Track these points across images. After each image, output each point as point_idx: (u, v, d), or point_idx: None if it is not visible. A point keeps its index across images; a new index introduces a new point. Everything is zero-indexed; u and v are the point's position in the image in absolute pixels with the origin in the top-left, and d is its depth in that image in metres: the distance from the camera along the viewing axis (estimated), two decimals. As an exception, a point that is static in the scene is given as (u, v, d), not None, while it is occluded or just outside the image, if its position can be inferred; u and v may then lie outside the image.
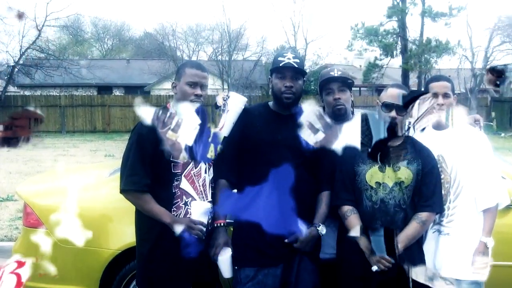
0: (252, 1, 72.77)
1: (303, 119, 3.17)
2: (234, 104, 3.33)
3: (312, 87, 31.29)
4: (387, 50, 31.73)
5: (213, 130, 3.59)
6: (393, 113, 3.14)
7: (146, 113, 3.10)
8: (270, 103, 3.40)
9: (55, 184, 4.79)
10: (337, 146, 3.13)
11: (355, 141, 3.15)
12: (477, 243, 3.23)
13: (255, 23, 76.63)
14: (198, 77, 3.18)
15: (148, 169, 3.05)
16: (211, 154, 3.28)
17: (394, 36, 32.01)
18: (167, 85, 31.41)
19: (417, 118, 3.31)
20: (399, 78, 32.08)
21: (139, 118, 3.07)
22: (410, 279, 3.10)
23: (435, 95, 3.34)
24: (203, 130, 3.31)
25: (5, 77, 29.69)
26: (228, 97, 3.36)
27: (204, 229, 3.08)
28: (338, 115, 3.50)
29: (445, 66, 33.04)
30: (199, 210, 3.09)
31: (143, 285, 3.19)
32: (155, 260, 3.11)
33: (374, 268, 3.02)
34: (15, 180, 11.00)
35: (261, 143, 3.22)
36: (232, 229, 3.37)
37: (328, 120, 3.18)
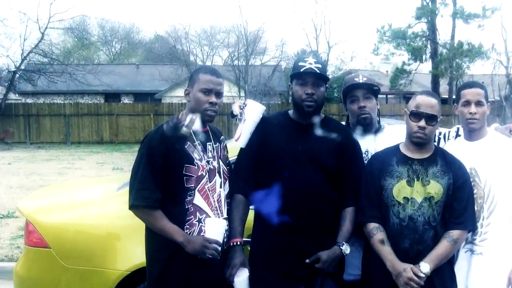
0: (270, 1, 73.04)
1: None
2: (252, 113, 3.36)
3: (335, 95, 31.28)
4: (416, 55, 31.59)
5: (229, 141, 3.65)
6: (422, 123, 3.14)
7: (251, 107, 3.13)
8: (290, 112, 3.42)
9: (59, 199, 4.85)
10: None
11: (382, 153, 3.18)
12: None
13: (274, 25, 77.16)
14: (212, 84, 3.20)
15: (159, 183, 3.07)
16: (226, 167, 3.33)
17: (423, 39, 31.86)
18: (180, 92, 31.54)
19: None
20: (429, 85, 31.93)
21: (149, 127, 3.12)
22: (441, 302, 3.11)
23: (467, 103, 3.36)
24: (218, 141, 3.37)
25: (6, 84, 29.87)
26: (245, 105, 3.38)
27: (219, 248, 3.08)
28: (363, 125, 3.54)
29: (478, 71, 32.81)
30: (213, 227, 3.09)
31: (154, 309, 3.21)
32: (166, 281, 3.12)
33: (402, 290, 3.04)
34: (16, 195, 11.11)
35: (280, 155, 3.24)
36: (249, 248, 3.38)
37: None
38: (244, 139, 3.35)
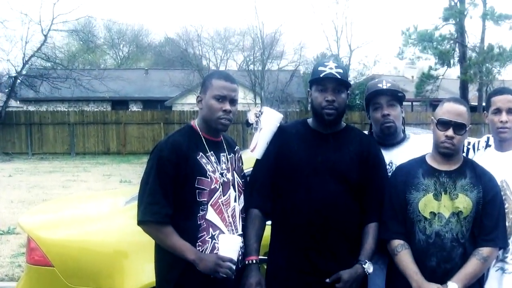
0: (288, 1, 73.08)
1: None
2: (268, 122, 3.39)
3: (357, 102, 31.21)
4: (443, 59, 31.41)
5: (244, 151, 3.67)
6: (450, 132, 3.15)
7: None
8: (309, 120, 3.44)
9: (63, 214, 4.90)
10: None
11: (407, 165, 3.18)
12: None
13: (292, 27, 76.83)
14: (226, 90, 3.21)
15: (170, 197, 3.08)
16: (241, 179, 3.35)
17: (451, 42, 31.68)
18: (191, 99, 31.60)
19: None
20: (457, 91, 31.72)
21: (159, 137, 3.15)
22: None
23: (498, 110, 3.36)
24: (232, 152, 3.40)
25: (6, 90, 30.04)
26: (261, 113, 3.40)
27: (234, 267, 3.08)
28: (387, 134, 3.57)
29: (509, 77, 32.60)
30: (228, 244, 3.09)
31: (164, 332, 3.22)
32: (177, 302, 3.13)
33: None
34: (18, 210, 11.22)
35: (298, 167, 3.26)
36: (265, 266, 3.40)
37: None
38: (260, 149, 3.37)
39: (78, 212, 4.93)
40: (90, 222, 4.43)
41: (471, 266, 3.09)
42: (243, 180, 3.41)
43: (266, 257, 3.39)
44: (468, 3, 31.13)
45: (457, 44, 31.57)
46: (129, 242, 3.99)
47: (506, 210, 3.24)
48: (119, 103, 37.98)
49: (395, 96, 3.57)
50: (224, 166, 3.27)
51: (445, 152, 3.19)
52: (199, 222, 3.13)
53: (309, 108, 3.48)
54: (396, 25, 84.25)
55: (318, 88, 3.29)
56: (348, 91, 3.36)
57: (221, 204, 3.19)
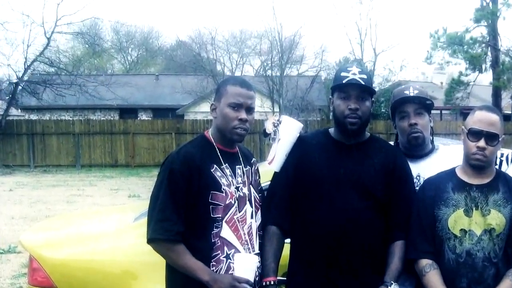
0: (309, 2, 73.01)
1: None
2: (287, 131, 3.40)
3: (382, 110, 31.06)
4: (474, 63, 31.11)
5: (261, 164, 3.68)
6: (482, 143, 3.14)
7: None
8: (331, 130, 3.46)
9: (67, 232, 4.94)
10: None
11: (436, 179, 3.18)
12: None
13: (312, 29, 76.93)
14: (242, 97, 3.21)
15: (182, 213, 3.08)
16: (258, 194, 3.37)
17: (483, 45, 31.38)
18: (205, 107, 31.62)
19: None
20: (489, 98, 31.46)
21: (170, 148, 3.16)
22: None
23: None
24: (248, 164, 3.41)
25: (7, 97, 29.99)
26: (280, 123, 3.42)
27: (251, 288, 3.11)
28: (414, 145, 3.56)
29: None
30: (244, 264, 3.09)
31: None
32: (190, 326, 3.14)
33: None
34: (19, 227, 11.28)
35: (319, 180, 3.27)
36: (284, 288, 3.42)
37: None
38: (278, 161, 3.38)
39: (83, 230, 4.96)
40: (97, 240, 4.46)
41: None
42: (260, 194, 3.41)
43: (285, 278, 3.40)
44: (501, 4, 30.85)
45: (489, 48, 31.26)
46: (139, 262, 4.01)
47: None
48: (128, 112, 38.11)
49: (423, 104, 3.57)
50: (240, 179, 3.26)
51: (476, 164, 3.18)
52: (213, 240, 3.12)
53: (331, 117, 3.47)
54: (424, 27, 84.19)
55: (341, 95, 3.29)
56: (373, 99, 3.37)
57: (236, 221, 3.19)
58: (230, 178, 3.21)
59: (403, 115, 3.57)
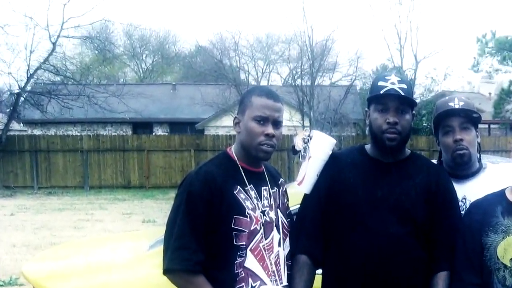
0: (342, 2, 72.89)
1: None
2: (318, 148, 3.41)
3: (424, 124, 30.85)
4: (527, 72, 31.06)
5: (289, 185, 3.70)
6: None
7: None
8: (367, 147, 3.48)
9: (75, 262, 4.99)
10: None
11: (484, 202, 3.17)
12: None
13: (346, 33, 76.76)
14: (269, 110, 3.20)
15: (202, 240, 3.07)
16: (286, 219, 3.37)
17: (536, 51, 31.32)
18: (227, 121, 31.63)
19: None
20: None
21: (188, 167, 3.16)
22: None
23: None
24: (276, 185, 3.42)
25: (7, 110, 29.86)
26: (310, 138, 3.43)
27: (278, 325, 3.09)
28: (460, 163, 3.55)
29: None
30: (270, 298, 3.11)
31: None
32: None
33: None
34: (21, 256, 11.35)
35: (354, 204, 3.27)
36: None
37: None
38: (308, 182, 3.39)
39: (93, 259, 4.99)
40: (107, 271, 4.50)
41: None
42: (288, 219, 3.41)
43: (317, 313, 3.41)
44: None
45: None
46: (154, 295, 4.03)
47: None
48: (142, 126, 38.29)
49: (469, 117, 3.55)
50: (266, 202, 3.26)
51: None
52: (236, 271, 3.12)
53: (367, 132, 3.48)
54: (470, 31, 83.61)
55: (378, 107, 3.30)
56: (414, 111, 3.37)
57: (262, 249, 3.18)
58: (255, 201, 3.20)
59: (447, 130, 3.56)
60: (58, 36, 29.82)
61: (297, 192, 3.48)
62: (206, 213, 3.08)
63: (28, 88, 29.87)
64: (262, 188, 3.29)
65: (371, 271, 3.20)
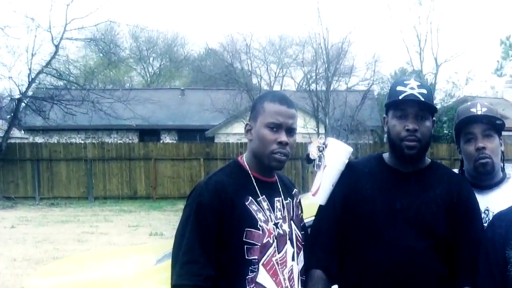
0: (359, 2, 72.74)
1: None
2: (334, 157, 3.42)
3: (444, 131, 30.72)
4: (554, 75, 30.99)
5: (304, 196, 3.71)
6: None
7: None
8: (385, 155, 3.48)
9: (78, 277, 5.01)
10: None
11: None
12: None
13: (363, 35, 76.48)
14: (282, 116, 3.18)
15: (212, 254, 3.05)
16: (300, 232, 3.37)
17: None
18: (239, 128, 31.57)
19: None
20: None
21: (198, 177, 3.15)
22: None
23: None
24: (289, 196, 3.42)
25: (8, 116, 29.67)
26: (326, 146, 3.43)
27: None
28: (482, 173, 3.54)
29: None
30: (284, 315, 3.11)
31: None
32: None
33: None
34: (22, 270, 11.39)
35: (371, 216, 3.27)
36: None
37: None
38: (323, 193, 3.40)
39: (97, 275, 5.01)
40: (113, 286, 4.52)
41: None
42: (302, 232, 3.41)
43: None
44: None
45: None
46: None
47: None
48: (149, 133, 38.33)
49: (493, 124, 3.55)
50: (279, 214, 3.25)
51: None
52: (248, 287, 3.10)
53: (385, 140, 3.47)
54: (493, 33, 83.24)
55: (396, 113, 3.31)
56: (434, 118, 3.38)
57: (275, 264, 3.17)
58: (268, 213, 3.19)
59: (469, 137, 3.55)
60: (61, 38, 29.77)
61: (311, 203, 3.48)
62: (216, 226, 3.07)
63: (30, 93, 29.65)
64: (275, 199, 3.28)
65: (390, 287, 3.20)
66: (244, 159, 3.33)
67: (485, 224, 3.42)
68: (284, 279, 3.20)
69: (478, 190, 3.52)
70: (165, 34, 58.99)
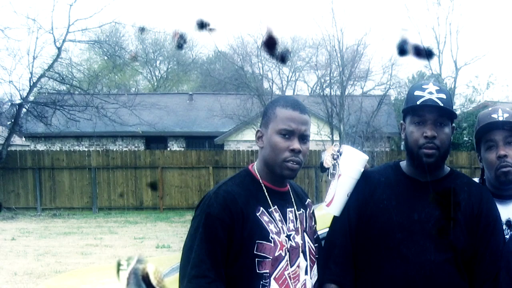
0: (375, 2, 72.52)
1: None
2: (349, 165, 3.41)
3: (464, 138, 30.62)
4: None
5: (317, 206, 3.72)
6: None
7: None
8: (403, 164, 3.48)
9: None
10: None
11: None
12: None
13: (380, 36, 76.36)
14: (295, 123, 3.18)
15: (222, 268, 3.06)
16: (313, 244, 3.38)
17: None
18: (249, 134, 31.53)
19: None
20: None
21: (207, 186, 3.15)
22: None
23: None
24: (302, 207, 3.43)
25: (8, 122, 29.35)
26: (340, 154, 3.43)
27: None
28: (504, 182, 3.54)
29: None
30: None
31: None
32: None
33: None
34: (23, 285, 11.44)
35: (388, 227, 3.27)
36: None
37: None
38: (338, 203, 3.39)
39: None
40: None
41: None
42: (316, 244, 3.41)
43: None
44: None
45: None
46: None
47: None
48: (155, 140, 38.29)
49: None
50: (291, 225, 3.25)
51: None
52: None
53: (402, 147, 3.47)
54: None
55: (414, 119, 3.31)
56: (453, 124, 3.38)
57: (287, 278, 3.17)
58: (280, 224, 3.19)
59: (490, 144, 3.55)
60: (64, 40, 29.58)
61: (325, 214, 3.49)
62: (226, 238, 3.07)
63: (31, 98, 29.46)
64: (287, 209, 3.29)
65: None
66: (255, 167, 3.34)
67: (507, 236, 3.42)
68: (297, 294, 3.19)
69: (499, 201, 3.51)
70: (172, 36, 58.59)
